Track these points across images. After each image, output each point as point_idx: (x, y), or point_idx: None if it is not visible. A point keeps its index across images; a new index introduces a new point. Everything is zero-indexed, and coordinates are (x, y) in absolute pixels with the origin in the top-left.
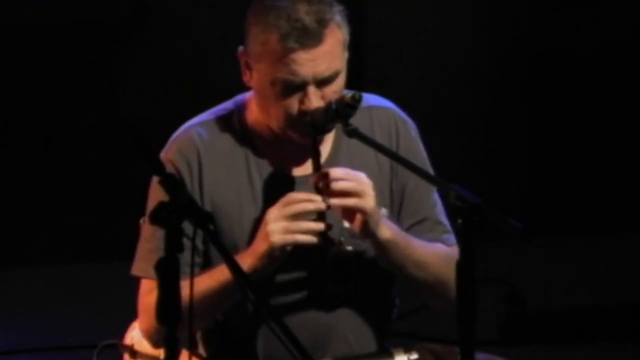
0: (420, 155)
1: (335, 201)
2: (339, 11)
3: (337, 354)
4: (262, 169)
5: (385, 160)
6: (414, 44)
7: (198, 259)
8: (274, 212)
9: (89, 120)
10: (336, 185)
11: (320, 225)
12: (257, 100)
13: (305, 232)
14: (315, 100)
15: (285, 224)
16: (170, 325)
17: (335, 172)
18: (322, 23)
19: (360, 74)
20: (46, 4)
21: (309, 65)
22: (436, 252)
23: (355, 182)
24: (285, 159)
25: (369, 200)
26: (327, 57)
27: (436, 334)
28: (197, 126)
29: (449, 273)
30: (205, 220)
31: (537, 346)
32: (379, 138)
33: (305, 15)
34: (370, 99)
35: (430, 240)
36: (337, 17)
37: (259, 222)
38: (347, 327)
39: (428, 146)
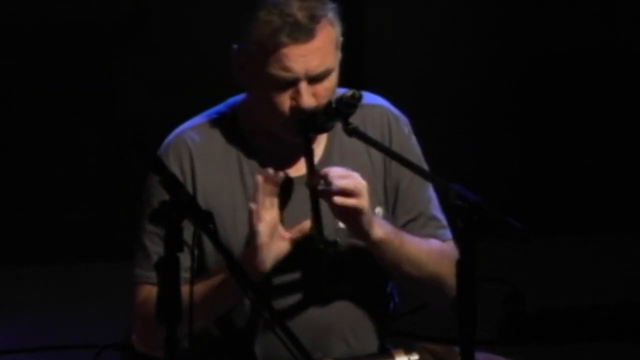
0: (414, 151)
1: (337, 199)
2: (332, 9)
3: (336, 354)
4: (255, 171)
5: (378, 159)
6: (413, 44)
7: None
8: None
9: (89, 120)
10: (338, 184)
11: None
12: (250, 99)
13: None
14: (307, 96)
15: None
16: (170, 325)
17: (335, 170)
18: (314, 19)
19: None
20: (46, 4)
21: (301, 61)
22: (431, 249)
23: (353, 181)
24: (279, 161)
25: (366, 200)
26: (318, 53)
27: (436, 334)
28: (190, 130)
29: (444, 269)
30: (205, 219)
31: (537, 346)
32: (372, 136)
33: (297, 10)
34: (364, 97)
35: (425, 236)
36: (330, 15)
37: None
38: (346, 327)
39: (426, 146)
